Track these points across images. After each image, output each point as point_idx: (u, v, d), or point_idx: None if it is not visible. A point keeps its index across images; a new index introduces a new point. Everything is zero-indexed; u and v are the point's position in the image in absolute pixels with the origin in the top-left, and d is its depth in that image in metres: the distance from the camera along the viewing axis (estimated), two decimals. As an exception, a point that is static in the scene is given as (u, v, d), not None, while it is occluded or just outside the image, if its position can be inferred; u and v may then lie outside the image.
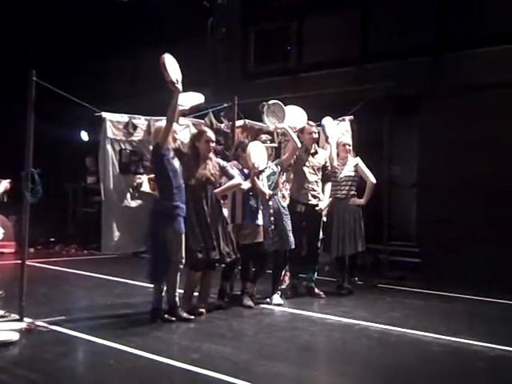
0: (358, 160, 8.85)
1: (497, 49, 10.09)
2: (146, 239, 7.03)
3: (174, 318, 6.87)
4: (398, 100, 10.86)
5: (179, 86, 6.69)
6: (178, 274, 6.94)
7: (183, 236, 6.88)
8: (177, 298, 6.99)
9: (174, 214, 6.78)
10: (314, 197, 8.47)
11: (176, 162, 6.94)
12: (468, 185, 9.99)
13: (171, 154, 6.92)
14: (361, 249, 8.77)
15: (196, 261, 7.06)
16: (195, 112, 8.42)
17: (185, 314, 6.96)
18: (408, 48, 11.06)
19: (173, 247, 6.80)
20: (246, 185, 7.63)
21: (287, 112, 8.22)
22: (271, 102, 8.14)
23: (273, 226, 7.93)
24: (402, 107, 11.05)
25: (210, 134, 7.35)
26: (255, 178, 7.74)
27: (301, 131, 8.46)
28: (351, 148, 8.91)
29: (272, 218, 7.94)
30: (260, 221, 7.80)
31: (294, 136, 8.11)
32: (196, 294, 7.42)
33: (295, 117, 8.48)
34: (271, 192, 7.89)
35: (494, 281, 8.95)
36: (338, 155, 8.82)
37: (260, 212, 7.81)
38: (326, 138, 8.80)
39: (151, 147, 7.37)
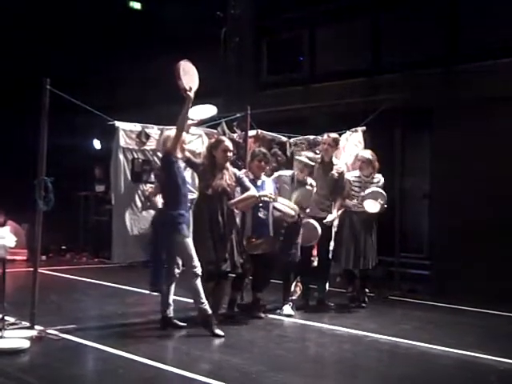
0: (380, 177, 8.80)
1: (510, 60, 10.06)
2: (148, 248, 7.07)
3: (185, 324, 6.88)
4: (410, 111, 10.84)
5: (191, 94, 6.73)
6: (198, 281, 6.72)
7: (191, 240, 6.85)
8: (206, 306, 6.74)
9: (180, 222, 6.76)
10: (323, 210, 8.43)
11: (184, 172, 6.98)
12: (480, 197, 9.92)
13: (180, 163, 6.94)
14: (371, 266, 8.72)
15: (206, 273, 7.05)
16: (208, 122, 8.41)
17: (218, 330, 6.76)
18: (420, 59, 11.04)
19: (184, 254, 6.78)
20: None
21: None
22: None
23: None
24: (414, 118, 11.04)
25: (228, 143, 7.35)
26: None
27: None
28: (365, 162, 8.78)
29: None
30: (271, 232, 7.75)
31: None
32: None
33: None
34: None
35: (506, 294, 8.89)
36: (360, 169, 8.76)
37: (270, 224, 7.75)
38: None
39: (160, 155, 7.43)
